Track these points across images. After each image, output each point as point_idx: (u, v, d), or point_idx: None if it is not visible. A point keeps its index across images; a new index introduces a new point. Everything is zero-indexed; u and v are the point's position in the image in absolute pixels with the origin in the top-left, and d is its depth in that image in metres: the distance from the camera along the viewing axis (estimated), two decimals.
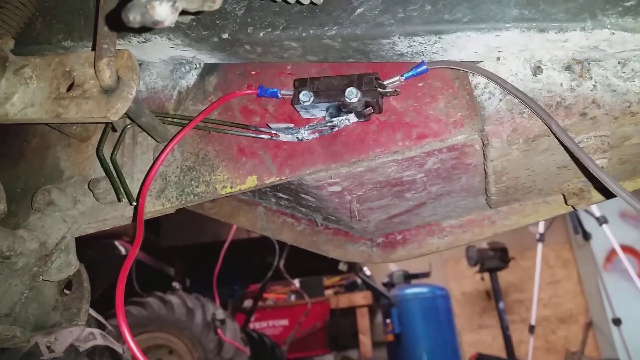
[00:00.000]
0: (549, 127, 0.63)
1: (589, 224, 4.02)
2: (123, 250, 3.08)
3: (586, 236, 4.05)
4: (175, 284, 3.53)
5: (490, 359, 3.95)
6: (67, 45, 0.79)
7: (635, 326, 3.72)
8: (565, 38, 0.61)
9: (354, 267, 3.62)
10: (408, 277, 4.23)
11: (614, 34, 0.59)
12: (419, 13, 0.64)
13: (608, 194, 0.82)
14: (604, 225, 3.51)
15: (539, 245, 3.77)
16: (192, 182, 0.79)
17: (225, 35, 0.72)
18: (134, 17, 0.43)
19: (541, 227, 3.83)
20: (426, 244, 1.00)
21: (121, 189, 0.77)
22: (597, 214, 3.58)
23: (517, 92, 0.64)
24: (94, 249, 2.72)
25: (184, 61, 0.82)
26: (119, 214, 0.80)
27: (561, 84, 0.65)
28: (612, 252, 4.04)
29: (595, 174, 0.60)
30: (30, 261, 0.79)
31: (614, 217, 4.07)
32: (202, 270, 3.68)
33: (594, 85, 0.65)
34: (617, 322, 3.76)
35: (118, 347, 1.41)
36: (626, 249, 3.92)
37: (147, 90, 0.83)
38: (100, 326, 1.40)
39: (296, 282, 4.44)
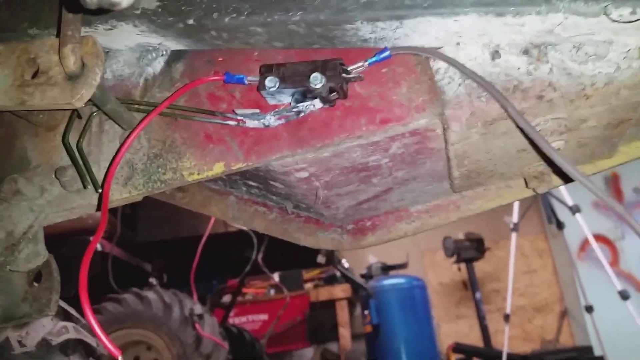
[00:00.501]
0: (505, 110, 0.65)
1: (562, 214, 4.10)
2: (99, 247, 3.06)
3: (560, 225, 4.13)
4: (152, 280, 3.51)
5: (468, 348, 4.00)
6: (33, 33, 0.78)
7: (606, 313, 3.80)
8: (522, 22, 0.63)
9: (332, 260, 3.64)
10: (386, 269, 4.27)
11: (567, 18, 0.61)
12: None
13: (567, 177, 0.85)
14: (577, 215, 3.58)
15: (513, 235, 3.83)
16: (159, 170, 0.79)
17: (191, 22, 0.73)
18: None
19: (515, 217, 3.89)
20: (395, 229, 1.01)
21: (87, 176, 0.76)
22: (570, 203, 3.65)
23: (475, 76, 0.66)
24: (69, 246, 2.69)
25: (150, 48, 0.81)
26: (86, 202, 0.80)
27: (519, 67, 0.67)
28: (586, 241, 4.13)
29: (549, 156, 0.62)
30: None
31: (587, 206, 4.15)
32: (179, 266, 3.67)
33: (550, 69, 0.67)
34: (589, 309, 3.84)
35: (92, 341, 1.41)
36: (599, 237, 4.01)
37: (113, 78, 0.82)
38: (74, 320, 1.39)
39: (275, 276, 4.45)
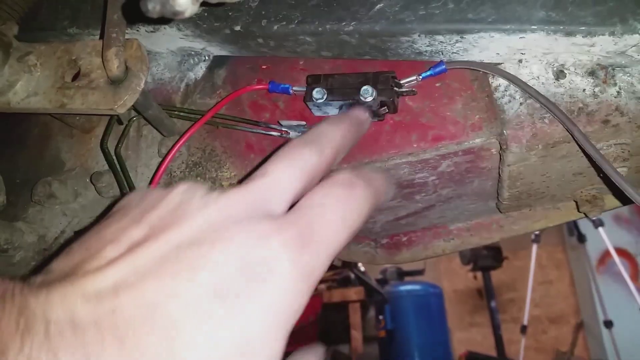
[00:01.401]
0: (571, 134, 0.61)
1: (584, 226, 4.03)
2: None
3: (581, 238, 4.06)
4: None
5: (481, 357, 3.96)
6: (73, 32, 0.76)
7: (626, 329, 3.73)
8: (592, 42, 0.59)
9: (348, 263, 3.61)
10: (402, 274, 4.23)
11: None
12: (441, 11, 0.62)
13: (624, 202, 0.81)
14: (600, 228, 3.51)
15: (534, 246, 3.77)
16: (198, 178, 0.77)
17: (238, 28, 0.70)
18: (153, 6, 0.41)
19: None
20: (432, 246, 0.98)
21: (125, 183, 0.74)
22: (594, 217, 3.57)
23: (539, 96, 0.62)
24: None
25: (192, 53, 0.79)
26: None
27: (584, 89, 0.64)
28: (606, 255, 4.05)
29: (618, 184, 0.59)
30: (28, 255, 0.76)
31: (609, 220, 4.08)
32: None
33: (617, 92, 0.63)
34: (608, 324, 3.77)
35: None
36: (620, 251, 3.93)
37: (153, 82, 0.80)
38: None
39: None
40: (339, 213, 0.39)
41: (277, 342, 0.33)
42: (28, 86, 0.68)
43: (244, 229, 0.34)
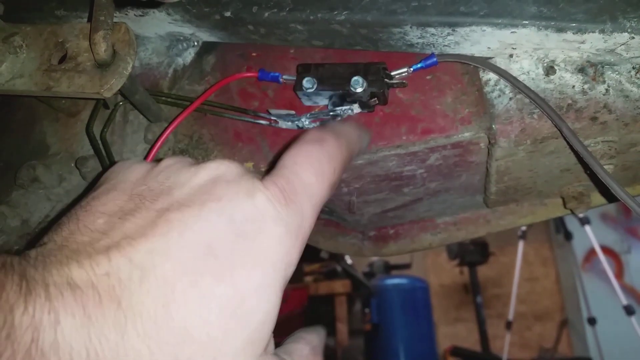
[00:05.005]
0: (559, 130, 0.61)
1: (570, 224, 4.06)
2: None
3: (568, 236, 4.09)
4: None
5: (466, 352, 3.99)
6: (60, 14, 0.75)
7: (609, 326, 3.77)
8: (583, 39, 0.59)
9: (335, 255, 3.62)
10: (388, 268, 4.24)
11: (633, 37, 0.57)
12: (433, 3, 0.61)
13: (610, 199, 0.82)
14: (586, 226, 3.54)
15: (521, 243, 3.79)
16: None
17: (228, 14, 0.69)
18: None
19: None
20: (419, 239, 0.98)
21: None
22: (581, 214, 3.59)
23: (529, 91, 0.62)
24: None
25: (181, 38, 0.78)
26: None
27: (573, 86, 0.64)
28: (591, 253, 4.08)
29: (604, 181, 0.59)
30: (11, 239, 0.75)
31: (595, 218, 4.11)
32: None
33: (606, 90, 0.63)
34: (592, 321, 3.81)
35: None
36: (605, 250, 3.96)
37: (141, 66, 0.79)
38: None
39: None
40: (314, 168, 0.41)
41: (272, 298, 0.34)
42: (13, 67, 0.67)
43: (232, 187, 0.36)
